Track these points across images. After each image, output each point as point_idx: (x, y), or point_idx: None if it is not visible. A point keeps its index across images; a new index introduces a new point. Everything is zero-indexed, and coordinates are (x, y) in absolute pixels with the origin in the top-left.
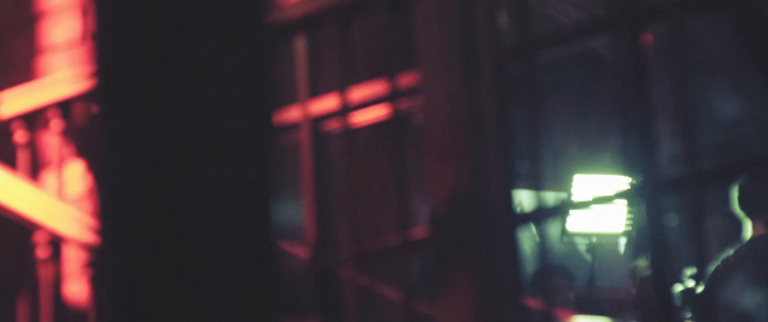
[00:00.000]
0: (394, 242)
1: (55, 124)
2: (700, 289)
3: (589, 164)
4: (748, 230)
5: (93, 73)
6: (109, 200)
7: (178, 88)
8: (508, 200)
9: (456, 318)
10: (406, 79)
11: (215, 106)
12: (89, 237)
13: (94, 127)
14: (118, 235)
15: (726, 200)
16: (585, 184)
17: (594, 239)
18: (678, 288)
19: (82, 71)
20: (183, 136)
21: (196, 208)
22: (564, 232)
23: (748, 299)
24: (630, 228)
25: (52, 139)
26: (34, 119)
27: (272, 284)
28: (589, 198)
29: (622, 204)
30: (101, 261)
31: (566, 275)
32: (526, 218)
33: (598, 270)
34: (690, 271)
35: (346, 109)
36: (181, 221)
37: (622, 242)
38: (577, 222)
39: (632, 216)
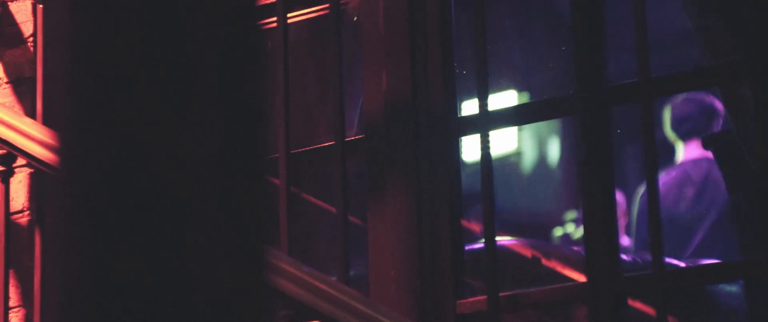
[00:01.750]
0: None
1: None
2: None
3: (533, 78)
4: (680, 153)
5: None
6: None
7: None
8: (449, 107)
9: (390, 232)
10: None
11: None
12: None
13: None
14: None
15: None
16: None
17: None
18: (558, 233)
19: None
20: None
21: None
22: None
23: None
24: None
25: None
26: None
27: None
28: (533, 107)
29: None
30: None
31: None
32: (468, 126)
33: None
34: (571, 214)
35: (281, 3)
36: None
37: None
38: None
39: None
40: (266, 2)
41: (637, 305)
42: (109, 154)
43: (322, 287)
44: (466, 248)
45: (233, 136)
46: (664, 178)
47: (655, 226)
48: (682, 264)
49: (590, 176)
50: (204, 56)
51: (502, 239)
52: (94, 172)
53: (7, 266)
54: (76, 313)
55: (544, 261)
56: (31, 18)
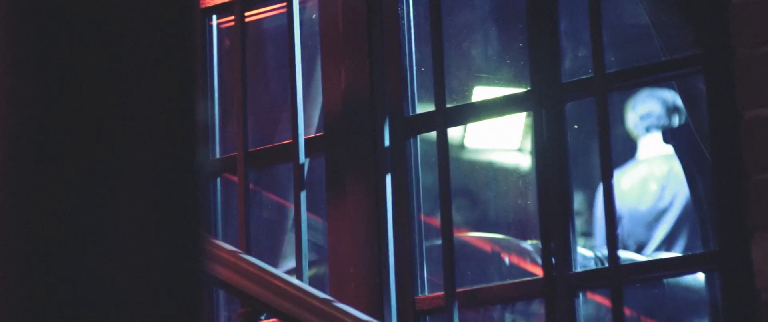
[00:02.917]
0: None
1: None
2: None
3: (492, 75)
4: (642, 148)
5: None
6: None
7: None
8: (407, 104)
9: (349, 229)
10: None
11: None
12: None
13: None
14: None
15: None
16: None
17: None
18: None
19: None
20: None
21: None
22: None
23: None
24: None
25: None
26: None
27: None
28: (489, 104)
29: (518, 118)
30: None
31: (466, 195)
32: (426, 123)
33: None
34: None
35: (238, 2)
36: None
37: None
38: (475, 137)
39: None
40: (224, 1)
41: (602, 300)
42: (44, 152)
43: (278, 283)
44: (432, 244)
45: (170, 125)
46: (626, 173)
47: (611, 220)
48: (644, 259)
49: (546, 170)
50: (141, 50)
51: (464, 235)
52: (28, 152)
53: None
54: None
55: (503, 256)
56: None
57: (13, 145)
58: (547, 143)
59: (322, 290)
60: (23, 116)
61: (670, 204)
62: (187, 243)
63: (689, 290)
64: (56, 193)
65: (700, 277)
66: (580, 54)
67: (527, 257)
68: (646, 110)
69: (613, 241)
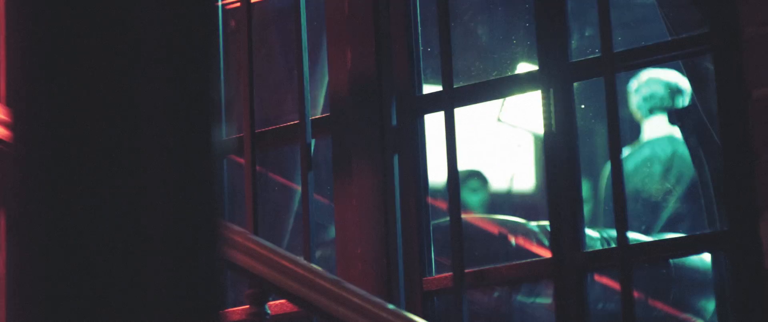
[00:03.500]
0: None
1: None
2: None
3: (500, 55)
4: (647, 130)
5: None
6: None
7: None
8: (414, 84)
9: (356, 210)
10: None
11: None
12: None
13: None
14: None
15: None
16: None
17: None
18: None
19: None
20: None
21: None
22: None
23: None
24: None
25: None
26: None
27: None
28: (496, 83)
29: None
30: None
31: (479, 177)
32: (433, 103)
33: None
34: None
35: None
36: None
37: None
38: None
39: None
40: None
41: (609, 282)
42: (58, 133)
43: (287, 264)
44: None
45: (185, 109)
46: (632, 155)
47: (620, 200)
48: (650, 240)
49: (554, 151)
50: (155, 34)
51: (470, 216)
52: (43, 148)
53: None
54: (32, 291)
55: (510, 238)
56: None
57: (26, 120)
58: (556, 123)
59: (330, 271)
60: (35, 92)
61: (675, 185)
62: (206, 228)
63: (695, 270)
64: (73, 178)
65: (706, 257)
66: (587, 33)
67: (534, 239)
68: (650, 92)
69: (622, 221)
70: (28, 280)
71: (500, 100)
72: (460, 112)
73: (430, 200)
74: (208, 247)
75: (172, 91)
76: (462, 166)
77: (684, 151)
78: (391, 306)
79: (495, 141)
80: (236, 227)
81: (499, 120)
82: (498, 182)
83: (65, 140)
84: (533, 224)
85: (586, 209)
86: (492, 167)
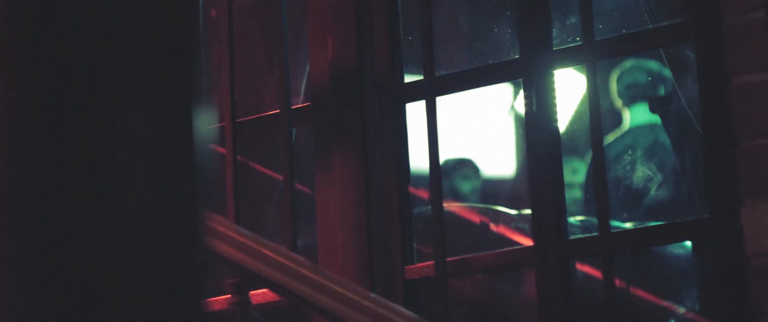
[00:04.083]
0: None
1: None
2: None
3: (481, 44)
4: (627, 119)
5: None
6: None
7: None
8: (395, 73)
9: (337, 199)
10: None
11: None
12: None
13: None
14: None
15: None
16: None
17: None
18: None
19: None
20: None
21: None
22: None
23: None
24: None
25: None
26: None
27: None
28: (478, 72)
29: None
30: None
31: (470, 165)
32: (414, 92)
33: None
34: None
35: None
36: None
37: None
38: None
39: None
40: None
41: (590, 270)
42: (41, 126)
43: (269, 253)
44: (416, 213)
45: (167, 100)
46: (614, 143)
47: (602, 188)
48: (631, 227)
49: (536, 138)
50: (137, 25)
51: (452, 205)
52: (24, 142)
53: None
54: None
55: (492, 227)
56: None
57: (8, 107)
58: (537, 110)
59: (311, 260)
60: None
61: (656, 173)
62: (188, 218)
63: (677, 257)
64: (53, 170)
65: (687, 244)
66: (568, 22)
67: (515, 227)
68: (632, 80)
69: (604, 209)
70: (10, 271)
71: (511, 91)
72: (457, 99)
73: (414, 189)
74: (190, 237)
75: (154, 83)
76: (455, 154)
77: (665, 138)
78: (373, 295)
79: (492, 130)
80: (218, 217)
81: (512, 109)
82: (491, 170)
83: (45, 133)
84: (514, 212)
85: (568, 196)
86: (485, 156)
